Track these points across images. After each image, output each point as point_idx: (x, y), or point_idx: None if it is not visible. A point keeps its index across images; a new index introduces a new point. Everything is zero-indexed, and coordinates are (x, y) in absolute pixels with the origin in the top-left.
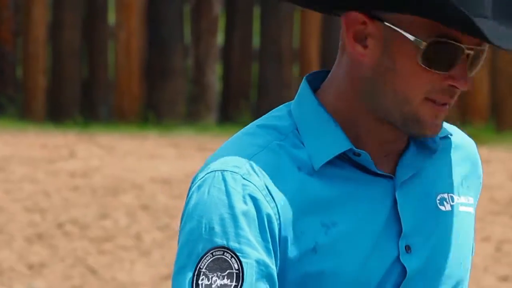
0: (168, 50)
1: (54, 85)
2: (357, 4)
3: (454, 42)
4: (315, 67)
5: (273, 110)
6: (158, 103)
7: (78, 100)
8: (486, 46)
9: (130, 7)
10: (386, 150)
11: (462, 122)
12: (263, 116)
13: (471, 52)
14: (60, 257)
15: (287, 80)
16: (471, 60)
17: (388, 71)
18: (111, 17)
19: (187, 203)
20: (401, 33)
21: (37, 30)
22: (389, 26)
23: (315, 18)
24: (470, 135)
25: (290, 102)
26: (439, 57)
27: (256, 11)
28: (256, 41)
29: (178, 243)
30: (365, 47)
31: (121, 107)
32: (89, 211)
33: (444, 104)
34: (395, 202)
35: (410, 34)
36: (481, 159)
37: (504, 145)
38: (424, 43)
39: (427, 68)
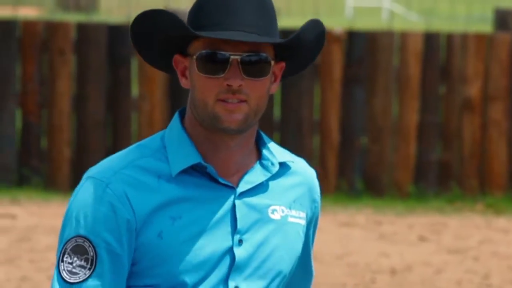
0: None
1: (78, 156)
2: (174, 49)
3: (217, 51)
4: (335, 137)
5: (155, 135)
6: None
7: None
8: (260, 54)
9: (154, 80)
10: (236, 168)
11: (482, 193)
12: (150, 137)
13: (237, 58)
14: None
15: (308, 150)
16: (243, 64)
17: (193, 89)
18: (135, 90)
19: (71, 198)
20: (183, 59)
21: (62, 102)
22: (189, 57)
23: (335, 90)
24: (488, 205)
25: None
26: (210, 65)
27: None
28: (277, 112)
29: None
30: (187, 78)
31: None
32: None
33: (235, 103)
34: (234, 206)
35: (193, 55)
36: (498, 229)
37: None
38: (195, 57)
39: (206, 75)
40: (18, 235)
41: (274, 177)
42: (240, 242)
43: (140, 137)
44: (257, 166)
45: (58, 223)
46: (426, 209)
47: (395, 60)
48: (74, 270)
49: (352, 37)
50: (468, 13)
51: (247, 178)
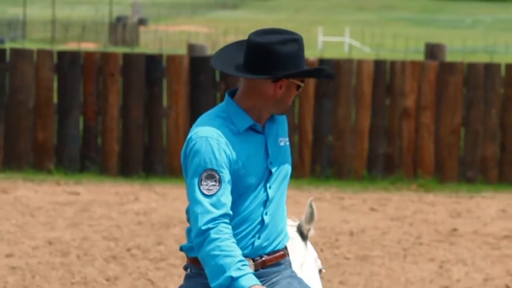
0: None
1: (124, 150)
2: (278, 77)
3: (300, 83)
4: (310, 136)
5: (216, 109)
6: None
7: (141, 161)
8: (302, 83)
9: (178, 94)
10: (262, 122)
11: (415, 177)
12: (214, 110)
13: (302, 85)
14: (129, 272)
15: (290, 146)
16: (300, 88)
17: (286, 97)
18: (165, 102)
19: (190, 152)
20: (294, 82)
21: (112, 111)
22: (290, 80)
23: (310, 102)
24: (420, 186)
25: (222, 103)
26: (299, 87)
27: None
28: None
29: (189, 168)
30: (281, 88)
31: (172, 166)
32: (149, 239)
33: None
34: (266, 143)
35: (297, 82)
36: (427, 203)
37: (445, 193)
38: (299, 84)
39: (296, 91)
40: (80, 207)
41: (277, 122)
42: (271, 163)
43: (169, 137)
44: (269, 119)
45: (110, 198)
46: (375, 188)
47: (353, 80)
48: (209, 188)
49: (322, 63)
50: (406, 46)
51: (267, 126)
